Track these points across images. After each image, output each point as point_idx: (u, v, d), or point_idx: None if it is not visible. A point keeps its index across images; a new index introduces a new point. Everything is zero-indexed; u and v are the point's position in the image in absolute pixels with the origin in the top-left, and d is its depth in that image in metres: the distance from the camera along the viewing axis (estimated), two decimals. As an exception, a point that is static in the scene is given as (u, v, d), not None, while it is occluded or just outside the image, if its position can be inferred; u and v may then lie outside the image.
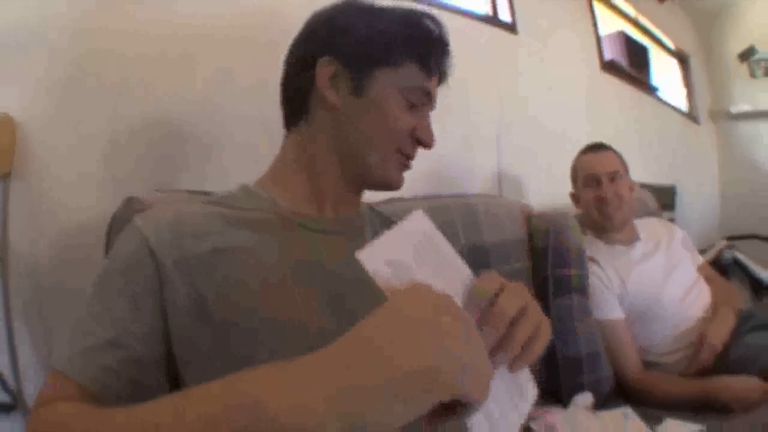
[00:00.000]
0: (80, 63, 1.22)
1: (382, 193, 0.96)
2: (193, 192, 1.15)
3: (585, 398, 1.41)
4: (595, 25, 3.19)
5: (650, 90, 3.76)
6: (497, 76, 2.37)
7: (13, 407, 1.09)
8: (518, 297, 0.57)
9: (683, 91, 4.39)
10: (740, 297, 2.24)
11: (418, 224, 0.59)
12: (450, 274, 0.59)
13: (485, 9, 2.53)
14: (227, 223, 0.77)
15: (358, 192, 0.92)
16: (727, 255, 2.83)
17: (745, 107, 4.37)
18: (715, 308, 1.74)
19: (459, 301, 0.56)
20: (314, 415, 0.43)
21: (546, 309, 1.34)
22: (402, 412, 0.44)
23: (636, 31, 3.80)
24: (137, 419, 0.51)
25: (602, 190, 1.78)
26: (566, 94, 2.81)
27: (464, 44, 1.70)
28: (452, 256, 0.62)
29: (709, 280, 1.87)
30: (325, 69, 0.83)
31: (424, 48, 0.86)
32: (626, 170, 1.87)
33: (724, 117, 4.52)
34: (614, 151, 1.88)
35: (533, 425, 1.20)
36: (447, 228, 1.43)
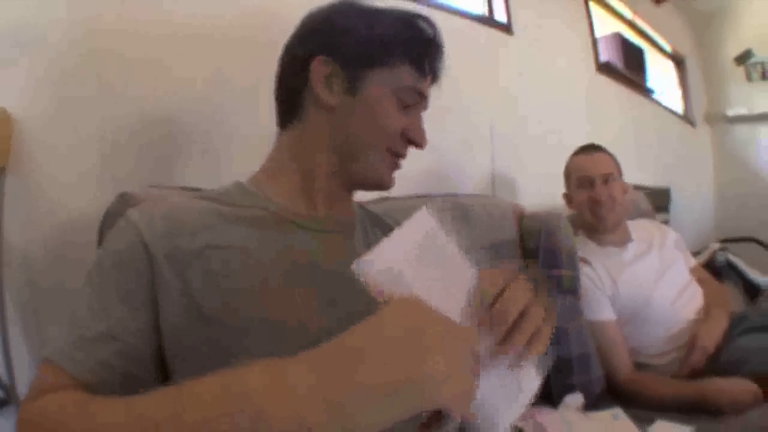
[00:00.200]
0: (79, 62, 1.23)
1: (374, 192, 0.96)
2: (187, 188, 1.15)
3: (575, 399, 1.41)
4: (591, 26, 3.19)
5: (646, 92, 3.76)
6: (492, 77, 2.38)
7: (7, 402, 1.09)
8: (521, 295, 0.58)
9: (679, 94, 4.41)
10: (733, 300, 2.25)
11: (421, 224, 0.59)
12: (452, 276, 0.60)
13: (481, 10, 2.54)
14: (221, 219, 0.78)
15: (350, 191, 0.92)
16: (721, 258, 2.84)
17: (741, 110, 4.40)
18: (707, 310, 1.73)
19: (461, 302, 0.57)
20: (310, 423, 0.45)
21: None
22: (373, 423, 0.46)
23: (632, 33, 3.81)
24: (136, 416, 0.51)
25: (596, 192, 1.78)
26: (561, 96, 2.81)
27: (460, 45, 1.71)
28: (456, 255, 0.62)
29: (701, 282, 1.87)
30: (320, 68, 0.84)
31: (419, 49, 0.86)
32: (620, 172, 1.87)
33: (720, 120, 4.54)
34: (608, 153, 1.88)
35: (523, 425, 1.20)
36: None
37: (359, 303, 0.51)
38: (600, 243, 1.83)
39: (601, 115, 3.11)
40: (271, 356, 0.49)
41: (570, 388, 1.49)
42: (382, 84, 0.84)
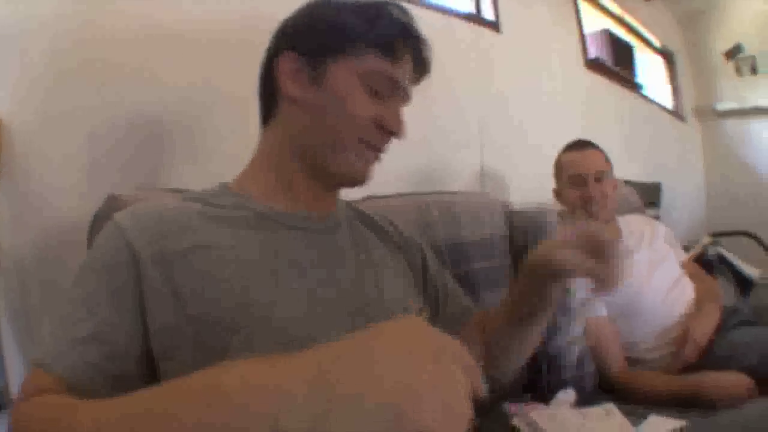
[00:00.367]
0: (68, 66, 1.24)
1: (362, 191, 0.96)
2: (174, 190, 1.15)
3: (568, 394, 1.41)
4: (579, 23, 3.20)
5: (635, 88, 3.78)
6: (481, 74, 2.38)
7: (1, 407, 1.09)
8: None
9: (669, 89, 4.42)
10: (725, 293, 2.25)
11: None
12: None
13: (469, 7, 2.54)
14: (206, 219, 0.78)
15: (330, 188, 0.92)
16: (712, 251, 2.84)
17: (731, 105, 4.41)
18: (699, 304, 1.74)
19: None
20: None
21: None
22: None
23: (621, 29, 3.82)
24: (121, 416, 0.50)
25: (588, 189, 1.78)
26: (551, 93, 2.82)
27: (448, 42, 1.71)
28: None
29: (693, 276, 1.88)
30: (285, 63, 0.85)
31: (385, 34, 0.85)
32: (611, 168, 1.87)
33: (710, 115, 4.56)
34: (599, 149, 1.87)
35: (515, 421, 1.20)
36: (426, 226, 1.44)
37: (344, 300, 0.50)
38: (591, 239, 1.82)
39: (591, 111, 3.12)
40: (258, 355, 0.48)
41: (562, 384, 1.49)
42: (347, 71, 0.83)
